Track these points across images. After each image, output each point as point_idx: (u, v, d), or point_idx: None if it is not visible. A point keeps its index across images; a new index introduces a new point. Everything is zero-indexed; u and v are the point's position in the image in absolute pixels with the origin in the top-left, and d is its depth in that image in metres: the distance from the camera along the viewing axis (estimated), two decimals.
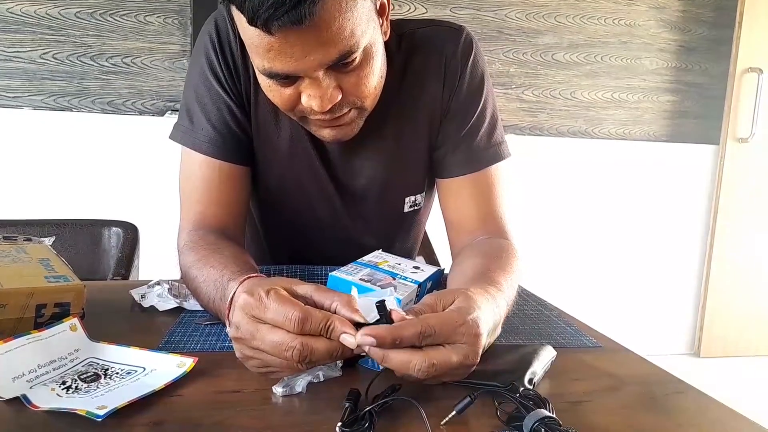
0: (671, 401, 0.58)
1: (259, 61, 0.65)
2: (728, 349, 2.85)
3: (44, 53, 2.15)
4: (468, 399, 0.50)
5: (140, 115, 2.24)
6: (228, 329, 0.55)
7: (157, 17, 2.21)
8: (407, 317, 0.51)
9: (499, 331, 0.61)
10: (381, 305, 0.51)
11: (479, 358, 0.51)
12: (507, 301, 0.65)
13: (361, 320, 0.51)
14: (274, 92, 0.70)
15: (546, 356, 0.61)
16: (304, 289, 0.54)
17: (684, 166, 2.77)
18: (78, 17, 2.16)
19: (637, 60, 2.66)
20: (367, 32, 0.66)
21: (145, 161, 2.20)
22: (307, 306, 0.51)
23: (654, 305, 2.83)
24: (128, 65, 2.22)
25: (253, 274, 0.61)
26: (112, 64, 2.21)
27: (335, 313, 0.51)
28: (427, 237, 1.24)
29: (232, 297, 0.56)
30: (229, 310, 0.56)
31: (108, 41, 2.19)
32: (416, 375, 0.48)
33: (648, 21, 2.64)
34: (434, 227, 1.08)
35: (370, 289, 0.64)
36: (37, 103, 2.17)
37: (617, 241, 2.75)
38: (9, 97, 2.15)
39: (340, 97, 0.68)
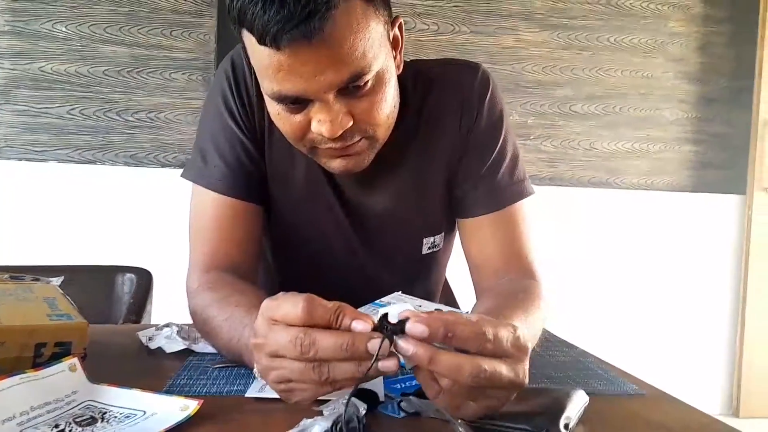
0: None
1: (268, 84, 0.63)
2: None
3: (71, 109, 2.22)
4: None
5: (162, 167, 2.27)
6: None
7: (182, 74, 2.27)
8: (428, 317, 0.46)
9: None
10: (383, 319, 0.46)
11: (527, 380, 0.47)
12: None
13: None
14: (283, 120, 0.68)
15: (579, 400, 0.56)
16: (327, 302, 0.51)
17: (710, 216, 2.69)
18: (106, 75, 2.23)
19: (657, 111, 2.64)
20: (380, 57, 0.64)
21: (165, 211, 2.21)
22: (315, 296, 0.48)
23: (686, 364, 2.68)
24: (152, 120, 2.27)
25: None
26: (137, 118, 2.26)
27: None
28: (448, 284, 1.19)
29: None
30: None
31: (134, 97, 2.25)
32: (464, 381, 0.44)
33: (666, 73, 2.64)
34: (455, 271, 1.04)
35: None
36: (62, 156, 2.22)
37: (644, 294, 2.64)
38: (36, 151, 2.20)
39: (351, 123, 0.65)
